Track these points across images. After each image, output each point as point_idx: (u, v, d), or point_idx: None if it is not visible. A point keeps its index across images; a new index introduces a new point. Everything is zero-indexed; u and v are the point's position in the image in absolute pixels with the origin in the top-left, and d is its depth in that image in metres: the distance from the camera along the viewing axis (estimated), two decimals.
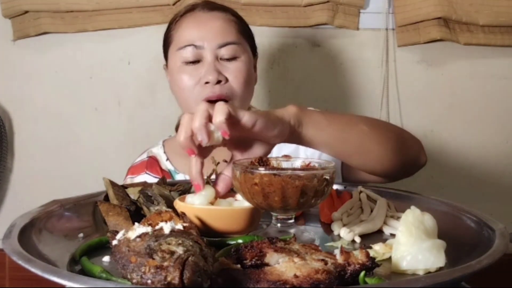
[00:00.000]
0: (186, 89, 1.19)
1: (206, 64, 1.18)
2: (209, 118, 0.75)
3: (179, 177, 1.29)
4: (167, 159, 1.33)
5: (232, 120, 0.74)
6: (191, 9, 1.25)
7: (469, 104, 1.82)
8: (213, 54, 1.18)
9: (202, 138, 0.74)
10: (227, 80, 1.18)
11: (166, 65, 1.30)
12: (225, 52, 1.19)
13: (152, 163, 1.33)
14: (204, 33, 1.19)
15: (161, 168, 1.32)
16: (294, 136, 0.84)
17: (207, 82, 1.16)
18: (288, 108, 0.84)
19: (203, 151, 0.79)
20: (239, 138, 0.79)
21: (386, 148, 0.96)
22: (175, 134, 1.36)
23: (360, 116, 0.99)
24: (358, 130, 0.93)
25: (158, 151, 1.36)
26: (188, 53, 1.19)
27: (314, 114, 0.87)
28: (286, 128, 0.81)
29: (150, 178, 1.28)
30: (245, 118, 0.75)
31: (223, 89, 1.17)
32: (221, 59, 1.19)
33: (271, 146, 0.83)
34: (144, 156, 1.37)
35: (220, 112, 0.73)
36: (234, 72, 1.19)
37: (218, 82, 1.16)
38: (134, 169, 1.35)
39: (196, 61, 1.19)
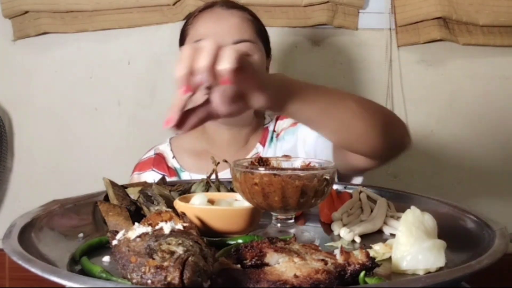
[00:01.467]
0: None
1: None
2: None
3: (184, 175, 1.30)
4: (173, 156, 1.34)
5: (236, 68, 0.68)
6: (210, 5, 1.27)
7: (469, 104, 1.82)
8: None
9: (205, 81, 0.67)
10: None
11: None
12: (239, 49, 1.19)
13: (158, 160, 1.34)
14: (220, 28, 1.21)
15: (167, 166, 1.32)
16: (279, 103, 0.79)
17: None
18: (276, 75, 0.80)
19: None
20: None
21: (372, 126, 0.93)
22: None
23: (349, 93, 0.95)
24: (345, 106, 0.89)
25: (165, 149, 1.36)
26: None
27: (302, 85, 0.82)
28: (273, 92, 0.76)
29: (156, 175, 1.29)
30: (249, 71, 0.71)
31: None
32: None
33: (249, 107, 0.77)
34: (151, 153, 1.37)
35: (228, 57, 0.67)
36: None
37: None
38: (141, 166, 1.36)
39: None
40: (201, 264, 0.52)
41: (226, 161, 1.10)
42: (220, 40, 1.18)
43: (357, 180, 1.21)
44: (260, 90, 0.74)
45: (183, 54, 0.68)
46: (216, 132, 1.30)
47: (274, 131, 1.33)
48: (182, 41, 1.30)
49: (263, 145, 1.31)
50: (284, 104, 0.80)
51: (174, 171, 1.31)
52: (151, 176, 1.28)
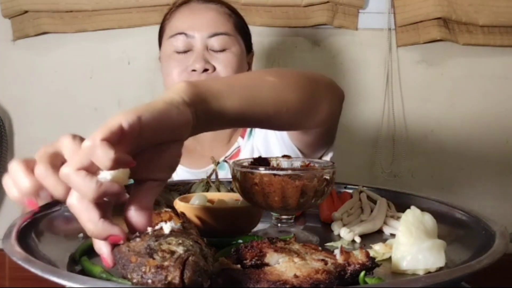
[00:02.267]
0: (172, 76, 1.20)
1: (195, 53, 1.19)
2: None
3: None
4: None
5: (112, 139, 0.52)
6: (186, 1, 1.27)
7: (469, 104, 1.82)
8: (203, 43, 1.19)
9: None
10: (214, 69, 1.19)
11: (160, 56, 1.31)
12: (215, 42, 1.19)
13: None
14: (195, 22, 1.20)
15: None
16: (200, 117, 0.63)
17: (193, 70, 1.17)
18: (174, 87, 0.64)
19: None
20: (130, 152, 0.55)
21: (304, 92, 0.84)
22: None
23: (260, 70, 0.86)
24: (268, 83, 0.78)
25: None
26: (179, 42, 1.20)
27: (209, 83, 0.70)
28: (185, 109, 0.60)
29: None
30: (125, 123, 0.53)
31: (209, 78, 1.17)
32: (211, 49, 1.20)
33: (180, 143, 0.61)
34: None
35: (95, 149, 0.52)
36: (223, 62, 1.19)
37: (205, 70, 1.17)
38: None
39: (186, 51, 1.20)
40: (202, 264, 0.52)
41: (226, 161, 1.11)
42: (195, 34, 1.18)
43: (328, 156, 1.18)
44: (163, 123, 0.57)
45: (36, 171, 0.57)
46: None
47: None
48: (160, 38, 1.30)
49: (243, 138, 1.29)
50: (206, 113, 0.65)
51: None
52: None
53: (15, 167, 0.60)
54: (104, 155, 0.51)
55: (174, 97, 0.61)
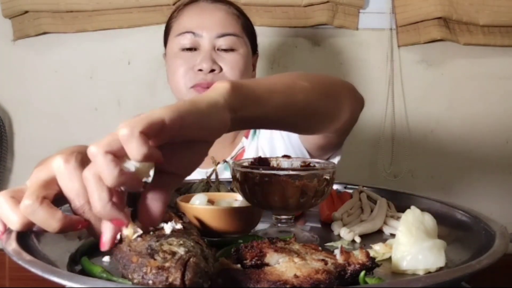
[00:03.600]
0: (178, 74, 1.20)
1: (202, 52, 1.19)
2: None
3: None
4: None
5: (150, 132, 0.52)
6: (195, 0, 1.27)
7: (469, 104, 1.82)
8: (211, 43, 1.19)
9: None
10: (221, 69, 1.19)
11: (165, 54, 1.30)
12: (223, 42, 1.19)
13: None
14: (204, 21, 1.20)
15: None
16: (237, 121, 0.63)
17: (200, 70, 1.17)
18: (218, 88, 0.62)
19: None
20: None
21: (332, 99, 0.85)
22: None
23: (292, 73, 0.84)
24: (302, 90, 0.78)
25: None
26: (186, 40, 1.20)
27: (250, 87, 0.68)
28: (225, 114, 0.60)
29: None
30: (168, 120, 0.53)
31: (215, 78, 1.17)
32: (218, 49, 1.20)
33: (210, 144, 0.61)
34: None
35: (132, 140, 0.51)
36: (230, 63, 1.19)
37: (212, 71, 1.17)
38: None
39: (193, 49, 1.20)
40: (202, 265, 0.52)
41: (226, 161, 1.11)
42: (203, 33, 1.18)
43: (335, 159, 1.19)
44: (202, 124, 0.57)
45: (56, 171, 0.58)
46: None
47: None
48: (166, 35, 1.29)
49: (247, 138, 1.29)
50: (244, 118, 0.65)
51: None
52: None
53: (1, 202, 0.59)
54: (137, 148, 0.50)
55: (218, 99, 0.60)
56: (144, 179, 0.55)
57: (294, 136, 1.19)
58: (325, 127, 0.92)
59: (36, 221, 0.57)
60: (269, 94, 0.70)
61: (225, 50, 1.20)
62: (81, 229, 0.61)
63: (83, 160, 0.61)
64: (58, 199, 0.60)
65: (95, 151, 0.52)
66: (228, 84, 0.63)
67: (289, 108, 0.74)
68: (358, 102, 0.98)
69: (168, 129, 0.53)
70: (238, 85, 0.64)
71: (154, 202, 0.57)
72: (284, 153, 1.19)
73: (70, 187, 0.59)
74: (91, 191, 0.54)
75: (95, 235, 0.61)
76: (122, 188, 0.54)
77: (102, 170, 0.52)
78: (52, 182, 0.59)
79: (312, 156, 1.18)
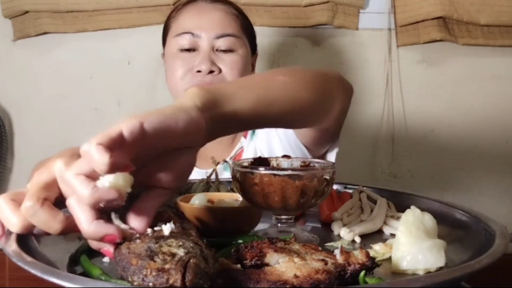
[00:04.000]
0: (176, 75, 1.19)
1: (201, 53, 1.18)
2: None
3: None
4: None
5: (111, 144, 0.50)
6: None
7: (469, 104, 1.82)
8: (210, 44, 1.19)
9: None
10: (220, 71, 1.18)
11: (164, 54, 1.30)
12: (222, 43, 1.19)
13: None
14: (203, 22, 1.19)
15: None
16: (214, 122, 0.61)
17: (199, 71, 1.17)
18: (187, 93, 0.61)
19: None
20: (138, 158, 0.54)
21: (316, 90, 0.83)
22: None
23: (271, 70, 0.83)
24: (280, 83, 0.76)
25: None
26: (185, 40, 1.19)
27: (221, 86, 0.68)
28: (196, 114, 0.58)
29: None
30: (126, 130, 0.51)
31: (214, 79, 1.17)
32: (217, 50, 1.20)
33: (194, 150, 0.60)
34: None
35: (91, 153, 0.50)
36: (229, 64, 1.18)
37: (211, 72, 1.16)
38: None
39: (191, 49, 1.20)
40: (203, 266, 0.52)
41: (226, 161, 1.11)
42: (202, 34, 1.17)
43: (333, 153, 1.18)
44: (170, 129, 0.55)
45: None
46: None
47: None
48: (164, 35, 1.29)
49: (245, 138, 1.29)
50: (220, 118, 0.63)
51: None
52: None
53: (1, 204, 0.59)
54: (98, 159, 0.49)
55: (186, 102, 0.59)
56: (127, 191, 0.54)
57: (291, 133, 1.18)
58: (318, 119, 0.90)
59: (37, 223, 0.57)
60: (242, 90, 0.69)
61: (224, 51, 1.19)
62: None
63: None
64: (59, 203, 0.60)
65: (67, 177, 0.53)
66: (196, 87, 0.62)
67: (268, 103, 0.72)
68: (346, 91, 0.97)
69: (130, 139, 0.51)
70: (206, 87, 0.64)
71: (138, 216, 0.57)
72: (282, 152, 1.19)
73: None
74: (75, 217, 0.54)
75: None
76: (101, 205, 0.53)
77: (77, 192, 0.52)
78: (53, 184, 0.59)
79: (310, 151, 1.17)
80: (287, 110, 0.77)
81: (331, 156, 1.20)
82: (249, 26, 1.28)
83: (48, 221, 0.57)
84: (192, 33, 1.19)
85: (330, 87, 0.89)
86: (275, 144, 1.25)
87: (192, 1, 1.26)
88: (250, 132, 1.29)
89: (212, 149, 1.28)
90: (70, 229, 0.58)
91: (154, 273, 0.51)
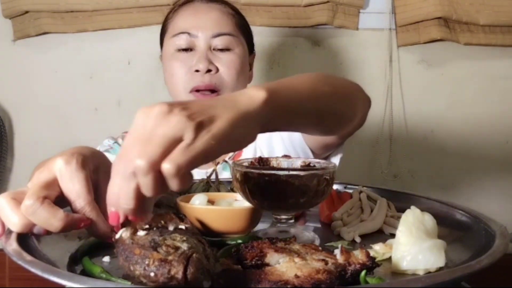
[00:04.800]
0: (176, 76, 1.20)
1: (198, 52, 1.19)
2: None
3: None
4: None
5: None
6: (189, 0, 1.27)
7: (469, 104, 1.82)
8: (207, 43, 1.19)
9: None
10: (217, 70, 1.18)
11: (162, 55, 1.30)
12: (218, 42, 1.19)
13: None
14: (199, 22, 1.20)
15: None
16: (265, 129, 0.64)
17: (197, 71, 1.17)
18: (252, 96, 0.61)
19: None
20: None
21: (349, 103, 0.87)
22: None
23: (312, 76, 0.80)
24: (323, 94, 0.77)
25: None
26: (182, 41, 1.20)
27: (286, 97, 0.67)
28: (255, 129, 0.61)
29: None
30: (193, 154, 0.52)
31: (213, 79, 1.17)
32: (214, 49, 1.20)
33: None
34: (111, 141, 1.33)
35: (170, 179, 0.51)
36: (226, 63, 1.19)
37: (208, 71, 1.17)
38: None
39: (189, 49, 1.20)
40: (204, 263, 0.53)
41: (226, 161, 1.11)
42: (198, 34, 1.17)
43: (337, 157, 1.19)
44: (231, 144, 0.58)
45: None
46: None
47: None
48: (162, 36, 1.29)
49: None
50: (273, 126, 0.67)
51: None
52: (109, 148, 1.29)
53: (2, 203, 0.59)
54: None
55: (252, 114, 0.59)
56: None
57: (296, 135, 1.19)
58: (341, 129, 0.92)
59: (37, 221, 0.58)
60: (299, 104, 0.70)
61: (221, 50, 1.20)
62: (83, 228, 0.61)
63: (84, 162, 0.62)
64: (61, 201, 0.60)
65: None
66: (264, 93, 0.61)
67: (312, 115, 0.74)
68: (366, 103, 0.98)
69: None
70: (274, 96, 0.62)
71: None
72: (282, 152, 1.19)
73: (70, 188, 0.60)
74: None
75: (97, 234, 0.62)
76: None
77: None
78: (53, 183, 0.60)
79: (315, 154, 1.18)
80: (322, 120, 0.79)
81: (334, 160, 1.20)
82: (245, 25, 1.28)
83: (48, 219, 0.57)
84: (188, 33, 1.19)
85: (356, 99, 0.91)
86: (276, 144, 1.25)
87: (188, 2, 1.26)
88: None
89: None
90: (71, 227, 0.59)
91: (156, 263, 0.51)
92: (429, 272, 0.63)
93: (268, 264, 0.59)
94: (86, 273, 0.61)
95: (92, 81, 1.81)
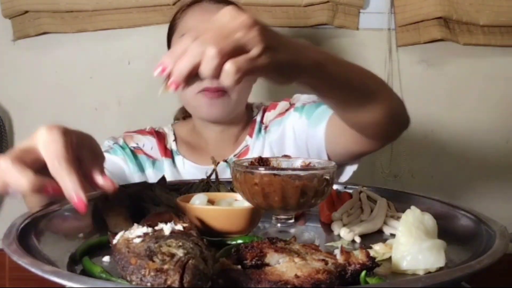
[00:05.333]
0: None
1: None
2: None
3: (178, 159, 1.29)
4: (174, 139, 1.33)
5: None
6: (198, 0, 1.28)
7: (469, 104, 1.82)
8: None
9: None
10: None
11: None
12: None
13: (159, 135, 1.33)
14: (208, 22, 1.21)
15: (165, 146, 1.31)
16: (317, 69, 0.76)
17: None
18: (316, 55, 0.76)
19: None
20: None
21: (386, 105, 0.92)
22: (181, 121, 1.43)
23: (364, 69, 0.97)
24: (369, 78, 0.92)
25: (167, 130, 1.36)
26: None
27: (332, 54, 0.84)
28: (303, 77, 0.75)
29: (149, 141, 1.30)
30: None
31: (221, 82, 1.17)
32: None
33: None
34: (153, 128, 1.37)
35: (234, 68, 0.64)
36: None
37: None
38: (138, 131, 1.35)
39: None
40: (201, 267, 0.52)
41: (226, 161, 1.11)
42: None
43: (352, 168, 1.20)
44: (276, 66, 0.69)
45: (179, 49, 0.67)
46: (204, 129, 1.31)
47: (262, 122, 1.32)
48: (170, 36, 1.30)
49: (251, 137, 1.30)
50: (323, 69, 0.78)
51: (170, 153, 1.30)
52: (145, 140, 1.30)
53: None
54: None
55: (309, 50, 0.77)
56: None
57: (319, 137, 1.17)
58: (372, 130, 0.98)
59: (8, 181, 0.62)
60: (345, 65, 0.90)
61: None
62: (52, 194, 0.64)
63: (67, 132, 0.68)
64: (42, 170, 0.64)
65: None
66: (324, 56, 0.80)
67: (358, 86, 0.88)
68: (402, 115, 1.01)
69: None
70: (328, 61, 0.80)
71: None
72: (293, 151, 1.19)
73: (50, 149, 0.64)
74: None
75: (63, 195, 0.65)
76: None
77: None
78: (33, 149, 0.65)
79: (330, 159, 1.17)
80: (361, 106, 0.90)
81: (349, 170, 1.21)
82: None
83: (18, 179, 0.62)
84: None
85: (403, 111, 0.98)
86: (288, 141, 1.25)
87: (197, 2, 1.27)
88: (255, 131, 1.30)
89: (214, 146, 1.30)
90: (39, 189, 0.63)
91: (152, 273, 0.51)
92: (429, 272, 0.63)
93: (268, 264, 0.59)
94: (86, 273, 0.62)
95: (92, 81, 1.81)
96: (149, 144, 1.30)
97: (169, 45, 1.31)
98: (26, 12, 1.73)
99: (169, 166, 1.27)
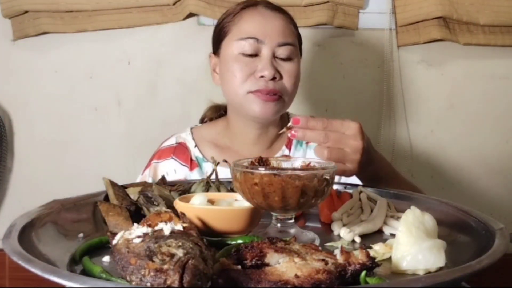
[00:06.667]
0: (237, 79, 1.21)
1: (263, 59, 1.21)
2: None
3: (206, 165, 1.30)
4: (196, 145, 1.34)
5: None
6: (253, 4, 1.27)
7: (469, 104, 1.82)
8: (272, 51, 1.21)
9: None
10: (281, 77, 1.21)
11: (215, 53, 1.30)
12: (282, 51, 1.22)
13: (180, 150, 1.34)
14: (267, 29, 1.22)
15: (190, 158, 1.32)
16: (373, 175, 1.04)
17: (262, 76, 1.19)
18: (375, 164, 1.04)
19: None
20: None
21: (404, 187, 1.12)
22: (200, 124, 1.44)
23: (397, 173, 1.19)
24: (392, 179, 1.14)
25: (186, 137, 1.36)
26: (249, 45, 1.21)
27: (377, 156, 1.09)
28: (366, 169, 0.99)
29: (176, 164, 1.31)
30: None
31: (276, 85, 1.20)
32: (277, 57, 1.22)
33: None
34: (172, 141, 1.37)
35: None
36: (288, 72, 1.22)
37: (273, 78, 1.19)
38: (160, 153, 1.35)
39: (253, 55, 1.21)
40: (201, 267, 0.52)
41: (226, 161, 1.11)
42: (265, 40, 1.21)
43: None
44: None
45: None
46: (242, 129, 1.30)
47: None
48: (220, 37, 1.28)
49: (289, 149, 1.32)
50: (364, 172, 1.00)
51: (196, 163, 1.31)
52: (170, 165, 1.31)
53: None
54: None
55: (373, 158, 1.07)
56: None
57: None
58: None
59: None
60: (381, 171, 1.11)
61: (283, 59, 1.22)
62: None
63: None
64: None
65: None
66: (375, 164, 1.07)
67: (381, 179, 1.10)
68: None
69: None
70: (378, 165, 1.09)
71: None
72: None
73: None
74: None
75: None
76: None
77: None
78: None
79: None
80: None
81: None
82: (299, 35, 1.32)
83: None
84: (256, 39, 1.21)
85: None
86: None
87: (251, 6, 1.27)
88: (294, 143, 1.33)
89: (246, 149, 1.30)
90: None
91: (152, 273, 0.51)
92: (429, 272, 0.63)
93: (268, 264, 0.59)
94: (86, 273, 0.62)
95: (92, 81, 1.81)
96: (171, 168, 1.31)
97: (216, 47, 1.29)
98: (26, 12, 1.73)
99: (199, 176, 1.29)
